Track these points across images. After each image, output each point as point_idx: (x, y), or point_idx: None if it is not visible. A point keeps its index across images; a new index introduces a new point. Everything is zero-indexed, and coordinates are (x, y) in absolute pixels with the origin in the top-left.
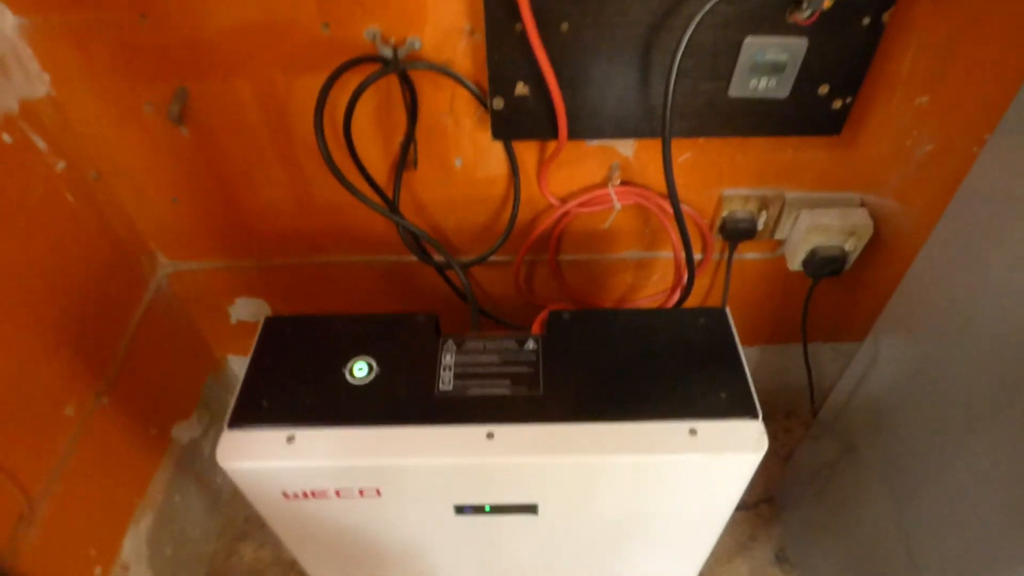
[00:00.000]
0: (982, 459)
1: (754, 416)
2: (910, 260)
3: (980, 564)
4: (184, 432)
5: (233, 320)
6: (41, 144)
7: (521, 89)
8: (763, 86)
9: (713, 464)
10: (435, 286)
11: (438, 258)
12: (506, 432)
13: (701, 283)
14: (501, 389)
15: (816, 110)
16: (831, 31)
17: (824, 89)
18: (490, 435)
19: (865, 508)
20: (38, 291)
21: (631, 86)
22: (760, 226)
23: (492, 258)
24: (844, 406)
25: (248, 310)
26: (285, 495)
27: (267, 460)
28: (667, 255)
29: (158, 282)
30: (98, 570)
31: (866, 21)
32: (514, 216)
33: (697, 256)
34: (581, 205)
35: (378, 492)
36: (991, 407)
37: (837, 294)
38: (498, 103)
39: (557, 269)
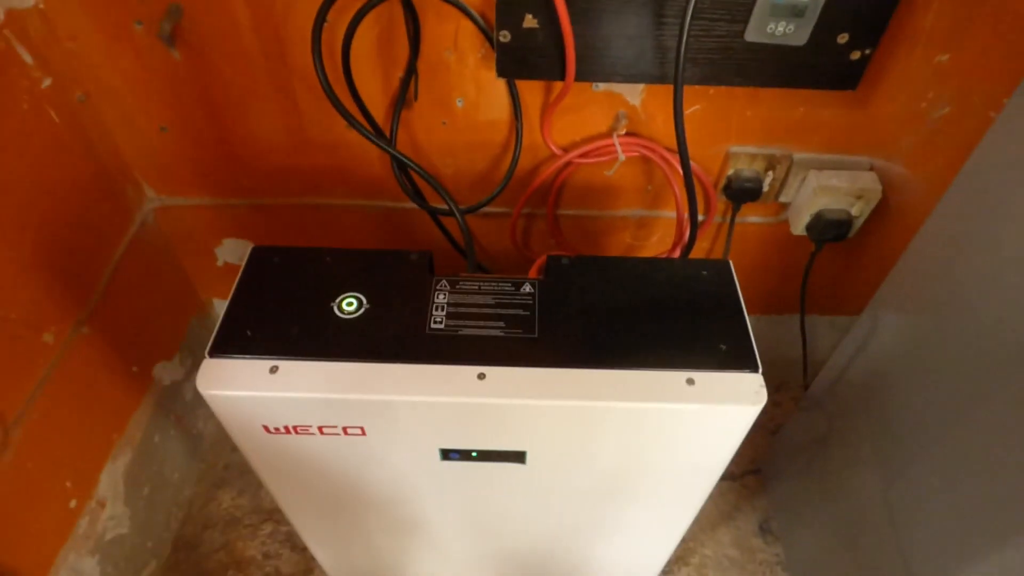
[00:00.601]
0: (971, 439)
1: (754, 369)
2: (916, 230)
3: (963, 543)
4: (166, 373)
5: (220, 262)
6: (27, 57)
7: (530, 22)
8: (781, 31)
9: (709, 415)
10: (431, 236)
11: (434, 203)
12: (498, 374)
13: (701, 246)
14: (495, 331)
15: (834, 60)
16: None
17: (844, 38)
18: (481, 376)
19: (852, 483)
20: (17, 207)
21: (644, 24)
22: (766, 187)
23: (490, 209)
24: (837, 380)
25: (235, 252)
26: (266, 429)
27: (248, 389)
28: (668, 214)
29: (144, 215)
30: (73, 502)
31: None
32: (514, 164)
33: (699, 217)
34: (584, 155)
35: (362, 431)
36: (984, 387)
37: (838, 262)
38: (505, 36)
39: (555, 224)
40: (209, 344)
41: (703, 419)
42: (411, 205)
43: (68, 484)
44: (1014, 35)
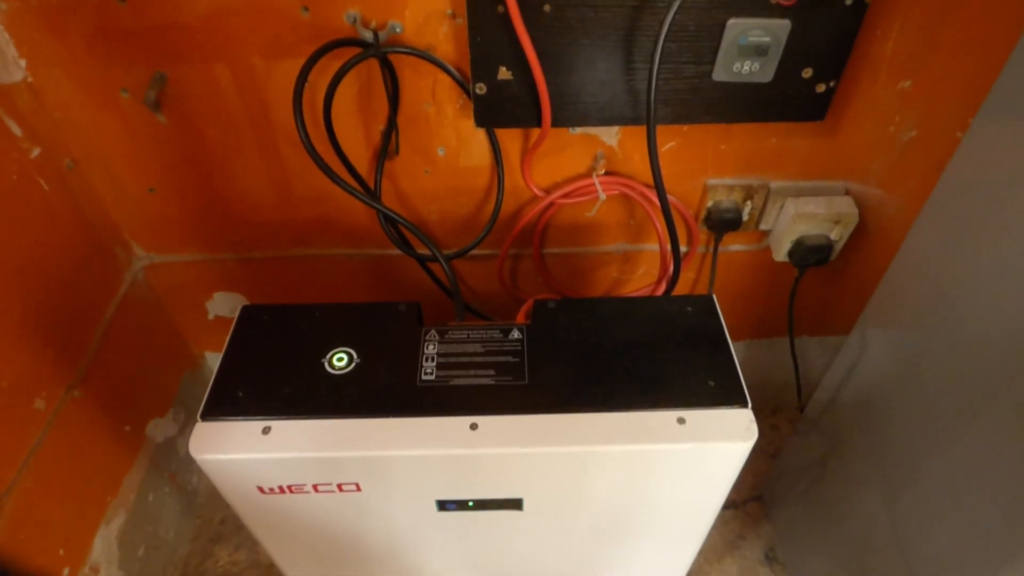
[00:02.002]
0: (972, 451)
1: (743, 404)
2: (895, 249)
3: (972, 559)
4: (159, 430)
5: (211, 316)
6: (16, 129)
7: (504, 74)
8: (747, 69)
9: (702, 453)
10: (419, 281)
11: (421, 250)
12: (490, 423)
13: (687, 276)
14: (485, 379)
15: (800, 94)
16: (814, 12)
17: (808, 72)
18: (474, 426)
19: (854, 504)
20: (7, 278)
21: (615, 70)
22: (745, 216)
23: (476, 251)
24: (831, 401)
25: (226, 305)
26: (261, 490)
27: (242, 452)
28: (653, 247)
29: (133, 274)
30: (66, 571)
31: (848, 1)
32: (498, 207)
33: (683, 248)
34: (565, 196)
35: (357, 487)
36: (979, 397)
37: (823, 285)
38: (481, 88)
39: (541, 263)
40: (201, 407)
41: (696, 457)
42: (399, 252)
43: (61, 552)
44: (973, 58)
